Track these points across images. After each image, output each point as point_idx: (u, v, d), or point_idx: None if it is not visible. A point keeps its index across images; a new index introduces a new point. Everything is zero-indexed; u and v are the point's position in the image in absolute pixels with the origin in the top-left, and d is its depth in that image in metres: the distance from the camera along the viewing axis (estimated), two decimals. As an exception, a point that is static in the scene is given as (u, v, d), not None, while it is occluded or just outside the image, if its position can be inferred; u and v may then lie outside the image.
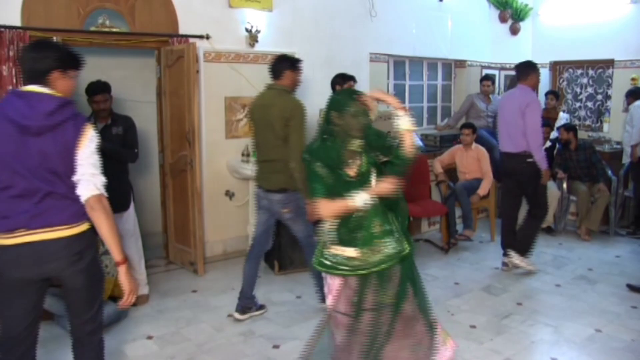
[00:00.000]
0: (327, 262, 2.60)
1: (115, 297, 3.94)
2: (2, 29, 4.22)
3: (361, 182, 2.57)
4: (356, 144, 2.56)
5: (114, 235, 2.47)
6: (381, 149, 2.61)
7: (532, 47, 8.30)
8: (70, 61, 2.54)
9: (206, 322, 4.02)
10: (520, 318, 4.13)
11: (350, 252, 2.56)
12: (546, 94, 7.48)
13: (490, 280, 4.97)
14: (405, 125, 2.55)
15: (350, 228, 2.57)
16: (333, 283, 2.65)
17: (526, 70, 5.15)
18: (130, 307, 4.03)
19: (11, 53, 4.24)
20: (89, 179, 2.43)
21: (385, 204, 2.60)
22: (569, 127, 6.60)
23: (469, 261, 5.51)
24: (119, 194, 4.30)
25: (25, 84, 2.43)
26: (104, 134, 4.16)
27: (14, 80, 4.24)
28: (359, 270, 2.55)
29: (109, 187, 4.16)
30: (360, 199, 2.47)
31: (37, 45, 2.54)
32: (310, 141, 2.72)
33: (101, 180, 2.53)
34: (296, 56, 5.81)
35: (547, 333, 3.91)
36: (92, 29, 4.63)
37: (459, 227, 6.07)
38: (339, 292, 2.61)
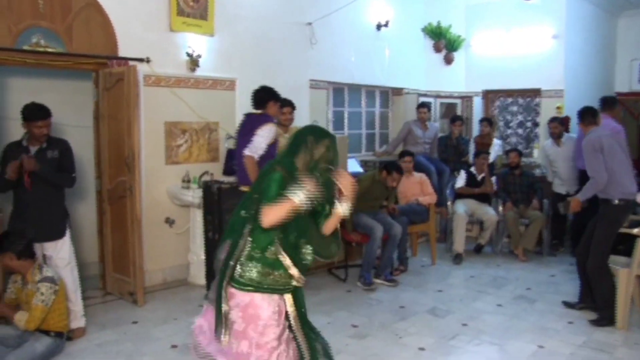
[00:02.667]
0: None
1: (48, 331, 3.69)
2: None
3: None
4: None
5: None
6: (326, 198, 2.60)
7: (465, 76, 8.63)
8: None
9: (149, 355, 3.82)
10: (466, 338, 4.19)
11: (295, 271, 2.56)
12: (480, 121, 7.78)
13: (435, 302, 5.02)
14: (342, 209, 2.53)
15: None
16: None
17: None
18: (66, 341, 3.85)
19: None
20: None
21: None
22: (520, 152, 6.91)
23: (413, 284, 5.56)
24: (54, 221, 4.12)
25: None
26: (38, 157, 3.97)
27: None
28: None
29: (42, 214, 4.00)
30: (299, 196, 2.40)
31: None
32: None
33: None
34: (236, 82, 5.90)
35: (493, 351, 3.99)
36: (25, 47, 4.41)
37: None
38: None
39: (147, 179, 5.25)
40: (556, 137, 6.64)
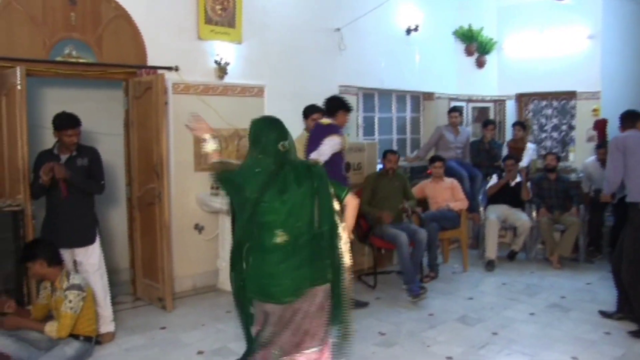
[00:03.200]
0: None
1: (77, 335, 3.75)
2: (-37, 59, 4.12)
3: None
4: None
5: None
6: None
7: (497, 79, 8.49)
8: None
9: (175, 360, 3.86)
10: (496, 348, 4.08)
11: None
12: (513, 125, 7.62)
13: (465, 310, 4.92)
14: (210, 147, 2.74)
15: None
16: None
17: None
18: (95, 345, 3.91)
19: (-28, 83, 4.12)
20: None
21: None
22: (557, 156, 6.76)
23: (443, 292, 5.46)
24: (84, 227, 4.19)
25: None
26: (68, 165, 4.06)
27: (-25, 110, 4.11)
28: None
29: (73, 220, 4.08)
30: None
31: None
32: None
33: None
34: (265, 88, 5.93)
35: (524, 362, 3.88)
36: (59, 59, 4.54)
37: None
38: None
39: (176, 186, 5.31)
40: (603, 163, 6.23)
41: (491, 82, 8.46)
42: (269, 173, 2.51)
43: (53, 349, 3.62)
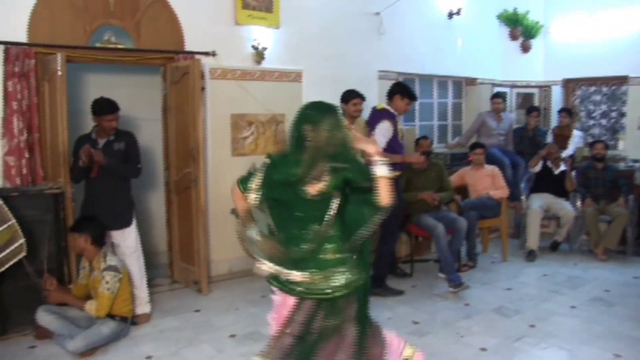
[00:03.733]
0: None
1: (114, 315, 3.85)
2: (9, 46, 4.23)
3: (321, 202, 2.43)
4: (326, 161, 2.39)
5: None
6: (358, 178, 2.44)
7: (543, 64, 8.20)
8: None
9: (207, 343, 3.90)
10: (532, 341, 3.96)
11: (296, 275, 2.46)
12: (559, 112, 7.35)
13: (502, 301, 4.80)
14: (382, 172, 2.41)
15: (293, 250, 2.47)
16: (284, 302, 2.55)
17: None
18: (131, 325, 4.01)
19: (17, 69, 4.23)
20: None
21: (342, 230, 2.50)
22: (606, 144, 6.52)
23: (480, 282, 5.35)
24: (121, 210, 4.27)
25: None
26: (106, 149, 4.14)
27: (18, 96, 4.23)
28: (314, 295, 2.47)
29: (111, 203, 4.18)
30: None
31: None
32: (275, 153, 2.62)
33: None
34: (303, 73, 5.90)
35: (562, 357, 3.74)
36: (98, 45, 4.62)
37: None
38: (291, 312, 2.51)
39: (213, 170, 5.36)
40: None
41: (536, 67, 8.18)
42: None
43: (91, 328, 3.73)
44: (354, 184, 2.44)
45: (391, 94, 4.94)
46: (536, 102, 8.18)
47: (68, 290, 4.00)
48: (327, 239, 2.46)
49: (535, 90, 8.28)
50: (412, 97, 4.90)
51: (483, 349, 3.81)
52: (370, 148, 2.46)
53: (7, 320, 3.98)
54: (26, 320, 3.92)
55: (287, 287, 2.51)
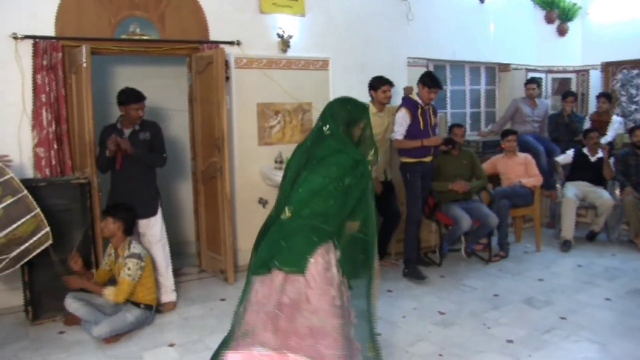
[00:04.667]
0: None
1: (138, 303, 3.91)
2: (37, 40, 4.32)
3: None
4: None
5: None
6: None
7: (581, 47, 7.91)
8: None
9: (230, 331, 3.92)
10: (563, 333, 3.83)
11: None
12: (598, 97, 7.08)
13: (533, 292, 4.66)
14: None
15: None
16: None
17: None
18: (156, 313, 4.07)
19: (45, 62, 4.32)
20: None
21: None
22: None
23: (511, 272, 5.22)
24: (147, 199, 4.32)
25: None
26: (131, 139, 4.19)
27: (47, 89, 4.32)
28: None
29: (136, 193, 4.24)
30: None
31: None
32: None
33: None
34: (330, 61, 5.84)
35: (594, 351, 3.59)
36: (123, 37, 4.67)
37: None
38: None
39: (240, 159, 5.37)
40: None
41: (574, 51, 7.90)
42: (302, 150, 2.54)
43: (116, 314, 3.80)
44: None
45: (418, 83, 4.97)
46: (573, 88, 7.90)
47: (91, 276, 4.09)
48: None
49: (572, 75, 7.99)
50: (430, 85, 4.84)
51: (509, 341, 3.71)
52: None
53: (38, 306, 4.10)
54: (56, 306, 4.03)
55: None
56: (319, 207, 2.49)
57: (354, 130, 2.65)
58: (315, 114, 5.77)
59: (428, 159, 5.01)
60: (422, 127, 4.91)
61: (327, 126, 2.59)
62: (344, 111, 2.64)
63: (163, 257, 4.37)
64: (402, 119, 4.90)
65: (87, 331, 3.77)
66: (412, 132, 4.90)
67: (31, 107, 4.34)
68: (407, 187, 5.09)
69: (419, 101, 4.91)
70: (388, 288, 4.82)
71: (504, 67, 7.67)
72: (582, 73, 7.93)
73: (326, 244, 2.48)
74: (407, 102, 4.97)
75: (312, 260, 2.42)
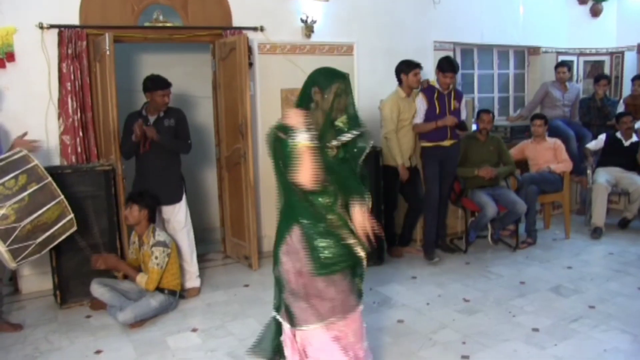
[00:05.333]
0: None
1: (163, 289, 3.96)
2: (62, 29, 4.37)
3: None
4: (336, 123, 2.36)
5: None
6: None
7: (616, 28, 7.64)
8: None
9: (253, 317, 3.93)
10: (591, 322, 3.73)
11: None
12: (633, 79, 6.84)
13: (561, 280, 4.56)
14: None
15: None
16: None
17: None
18: (180, 299, 4.12)
19: (70, 51, 4.37)
20: None
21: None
22: None
23: (539, 259, 5.12)
24: (171, 186, 4.35)
25: None
26: (156, 126, 4.22)
27: (72, 77, 4.37)
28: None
29: (161, 179, 4.27)
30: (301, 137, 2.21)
31: None
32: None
33: None
34: (354, 46, 5.77)
35: (624, 341, 3.48)
36: (147, 24, 4.70)
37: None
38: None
39: (264, 146, 5.33)
40: None
41: (608, 33, 7.63)
42: None
43: (140, 300, 3.85)
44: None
45: (436, 69, 5.08)
46: (606, 71, 7.65)
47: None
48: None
49: (605, 58, 7.74)
50: (444, 69, 4.92)
51: (535, 330, 3.64)
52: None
53: (66, 291, 4.18)
54: (83, 291, 4.11)
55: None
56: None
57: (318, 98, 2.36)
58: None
59: (447, 142, 5.01)
60: (438, 111, 4.97)
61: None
62: (306, 85, 2.43)
63: (187, 243, 4.40)
64: (420, 104, 5.03)
65: (113, 316, 3.83)
66: (429, 117, 4.99)
67: (57, 96, 4.41)
68: (424, 171, 5.14)
69: (437, 86, 5.00)
70: (412, 275, 4.79)
71: (534, 50, 7.46)
72: (617, 55, 7.66)
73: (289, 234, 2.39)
74: (425, 88, 5.10)
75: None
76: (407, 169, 5.08)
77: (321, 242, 2.33)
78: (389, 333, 3.63)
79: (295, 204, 2.36)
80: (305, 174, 2.20)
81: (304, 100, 2.41)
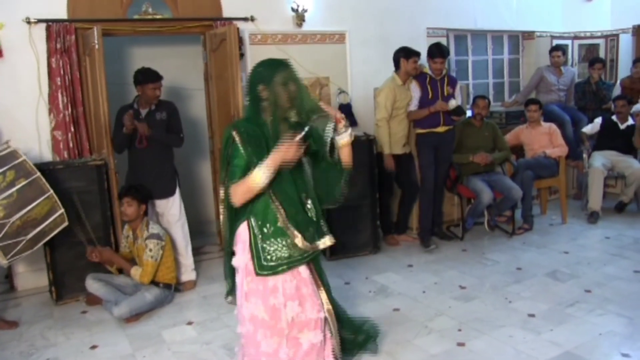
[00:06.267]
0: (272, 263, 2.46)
1: (158, 282, 3.95)
2: (50, 23, 4.33)
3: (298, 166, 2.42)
4: (291, 115, 2.35)
5: None
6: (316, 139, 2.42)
7: (611, 11, 7.59)
8: None
9: (249, 309, 3.93)
10: (587, 307, 3.73)
11: (299, 239, 2.47)
12: (634, 62, 6.75)
13: (557, 265, 4.56)
14: (345, 139, 2.41)
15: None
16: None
17: None
18: (175, 292, 4.11)
19: (59, 46, 4.34)
20: None
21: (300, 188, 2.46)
22: None
23: (535, 245, 5.11)
24: (165, 179, 4.33)
25: None
26: (148, 119, 4.19)
27: (62, 72, 4.33)
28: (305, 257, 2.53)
29: (154, 173, 4.25)
30: (259, 174, 2.27)
31: None
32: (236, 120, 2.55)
33: None
34: (347, 34, 5.73)
35: (620, 325, 3.47)
36: (136, 17, 4.65)
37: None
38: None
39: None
40: None
41: (602, 15, 7.58)
42: None
43: (135, 294, 3.85)
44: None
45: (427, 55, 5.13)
46: (601, 54, 7.60)
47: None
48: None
49: (600, 41, 7.69)
50: (433, 55, 4.99)
51: (531, 315, 3.63)
52: (331, 112, 2.41)
53: (62, 287, 4.18)
54: (79, 287, 4.10)
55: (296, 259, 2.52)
56: None
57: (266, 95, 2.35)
58: (334, 88, 5.70)
59: (441, 129, 5.02)
60: (430, 97, 4.98)
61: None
62: (250, 86, 2.41)
63: (182, 236, 4.39)
64: (413, 91, 5.09)
65: (108, 311, 3.83)
66: (422, 102, 5.03)
67: (47, 91, 4.38)
68: (419, 158, 5.17)
69: (429, 72, 5.02)
70: (409, 263, 4.78)
71: (528, 35, 7.41)
72: (611, 38, 7.62)
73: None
74: (418, 75, 5.12)
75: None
76: (396, 156, 5.07)
77: (267, 245, 2.42)
78: (385, 322, 3.61)
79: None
80: (237, 195, 2.34)
81: (253, 102, 2.37)
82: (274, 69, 2.33)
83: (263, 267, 2.42)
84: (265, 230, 2.42)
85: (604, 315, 3.61)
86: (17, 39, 4.29)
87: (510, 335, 3.36)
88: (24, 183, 3.27)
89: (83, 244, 3.94)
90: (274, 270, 2.43)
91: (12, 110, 4.31)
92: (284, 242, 2.43)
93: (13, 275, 4.49)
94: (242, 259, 2.45)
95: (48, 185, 3.36)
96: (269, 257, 2.41)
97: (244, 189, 2.31)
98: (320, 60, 5.62)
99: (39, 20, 4.30)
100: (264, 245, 2.42)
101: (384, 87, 5.09)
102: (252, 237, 2.42)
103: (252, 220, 2.42)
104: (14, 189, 3.23)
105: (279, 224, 2.42)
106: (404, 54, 5.05)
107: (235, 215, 2.50)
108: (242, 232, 2.46)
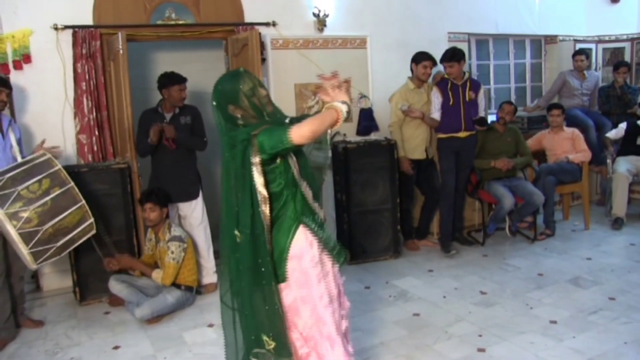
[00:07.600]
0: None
1: (179, 285, 3.99)
2: (76, 29, 4.42)
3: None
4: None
5: None
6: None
7: (638, 14, 7.47)
8: None
9: (268, 311, 3.95)
10: (611, 315, 3.68)
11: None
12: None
13: (580, 271, 4.50)
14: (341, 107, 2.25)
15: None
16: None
17: None
18: (197, 295, 4.15)
19: (84, 51, 4.42)
20: None
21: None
22: None
23: (557, 251, 5.05)
24: (188, 182, 4.38)
25: None
26: (172, 123, 4.24)
27: (87, 77, 4.42)
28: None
29: (178, 177, 4.30)
30: (340, 106, 2.20)
31: None
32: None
33: None
34: (368, 39, 5.74)
35: (644, 332, 3.44)
36: (159, 22, 4.72)
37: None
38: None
39: (278, 142, 5.35)
40: None
41: (628, 18, 7.43)
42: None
43: (157, 296, 3.89)
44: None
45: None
46: (627, 58, 7.48)
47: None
48: None
49: (625, 44, 7.56)
50: (443, 60, 5.01)
51: (553, 322, 3.59)
52: (331, 91, 2.33)
53: (85, 288, 4.26)
54: (102, 288, 4.18)
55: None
56: None
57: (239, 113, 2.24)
58: (354, 93, 5.71)
59: (462, 134, 5.00)
60: (451, 103, 4.96)
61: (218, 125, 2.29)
62: (220, 110, 2.27)
63: (204, 239, 4.43)
64: (434, 97, 5.06)
65: (130, 312, 3.89)
66: (443, 108, 5.01)
67: (73, 95, 4.47)
68: (440, 163, 5.17)
69: (450, 78, 5.00)
70: (429, 268, 4.76)
71: (551, 39, 7.35)
72: (638, 41, 7.50)
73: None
74: (439, 81, 5.11)
75: None
76: (417, 161, 5.08)
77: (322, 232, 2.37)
78: (405, 326, 3.62)
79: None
80: (305, 134, 2.13)
81: (229, 123, 2.23)
82: (234, 82, 2.22)
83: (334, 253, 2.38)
84: (312, 218, 2.33)
85: (629, 323, 3.55)
86: (44, 45, 4.39)
87: (531, 342, 3.33)
88: (58, 192, 3.34)
89: (112, 248, 4.00)
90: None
91: (39, 114, 4.41)
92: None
93: (39, 276, 4.58)
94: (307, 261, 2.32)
95: (80, 196, 3.43)
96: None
97: (316, 124, 2.14)
98: (341, 65, 5.58)
99: (66, 27, 4.40)
100: (322, 234, 2.33)
101: (396, 92, 5.15)
102: (315, 232, 2.30)
103: (305, 219, 2.29)
104: (48, 198, 3.30)
105: (309, 202, 2.33)
106: (414, 59, 5.07)
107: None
108: (300, 238, 2.29)
